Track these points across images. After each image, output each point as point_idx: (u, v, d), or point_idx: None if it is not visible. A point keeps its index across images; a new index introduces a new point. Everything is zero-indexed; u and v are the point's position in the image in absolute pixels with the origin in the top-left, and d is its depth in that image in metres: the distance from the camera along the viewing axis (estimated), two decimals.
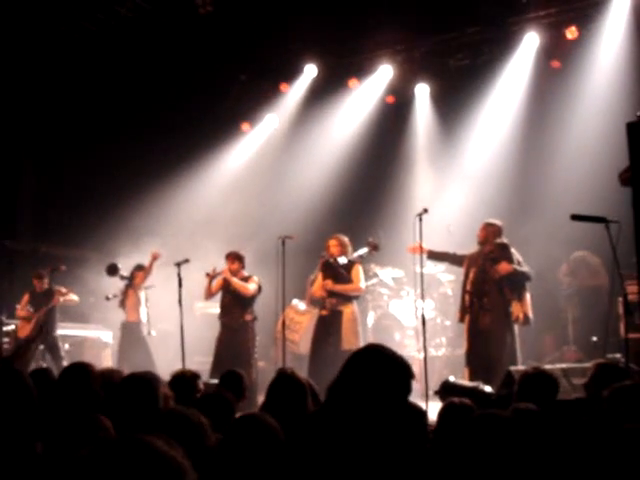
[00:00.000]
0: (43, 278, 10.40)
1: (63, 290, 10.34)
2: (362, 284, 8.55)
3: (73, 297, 10.55)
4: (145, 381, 3.46)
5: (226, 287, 8.91)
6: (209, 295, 9.08)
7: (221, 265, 8.96)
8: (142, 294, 10.01)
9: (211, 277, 8.88)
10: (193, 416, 2.74)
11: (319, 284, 8.52)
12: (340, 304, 8.36)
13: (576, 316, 9.72)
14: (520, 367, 6.56)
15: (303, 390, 3.88)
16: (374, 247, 8.72)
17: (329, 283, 8.38)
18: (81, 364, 4.30)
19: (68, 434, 2.64)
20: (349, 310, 8.36)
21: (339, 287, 8.36)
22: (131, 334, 9.84)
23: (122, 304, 9.99)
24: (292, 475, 2.55)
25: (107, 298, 10.06)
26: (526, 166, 10.58)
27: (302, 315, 9.11)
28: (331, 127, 12.14)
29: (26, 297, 10.43)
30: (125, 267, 10.20)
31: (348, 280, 8.39)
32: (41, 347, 10.18)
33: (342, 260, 8.36)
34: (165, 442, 1.55)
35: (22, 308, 10.36)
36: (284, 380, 3.94)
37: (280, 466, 2.58)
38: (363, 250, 8.66)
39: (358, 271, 8.45)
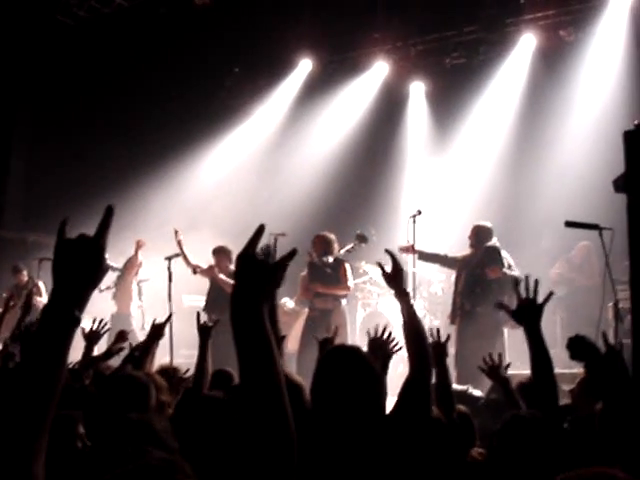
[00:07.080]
0: (21, 271, 10.24)
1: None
2: (350, 283, 8.51)
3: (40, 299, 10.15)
4: (138, 384, 3.40)
5: (213, 282, 8.91)
6: (189, 265, 9.06)
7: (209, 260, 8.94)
8: (134, 287, 9.94)
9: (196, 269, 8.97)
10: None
11: (304, 286, 8.51)
12: (329, 303, 8.35)
13: (565, 319, 9.69)
14: (509, 372, 6.51)
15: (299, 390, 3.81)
16: (361, 239, 8.71)
17: (318, 286, 8.36)
18: None
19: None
20: (338, 309, 8.34)
21: (328, 291, 8.34)
22: (121, 326, 9.71)
23: (115, 296, 9.93)
24: None
25: (100, 290, 9.92)
26: (520, 167, 10.57)
27: (289, 315, 9.07)
28: (324, 123, 12.08)
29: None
30: (115, 259, 10.12)
31: (335, 279, 8.34)
32: None
33: (328, 259, 8.32)
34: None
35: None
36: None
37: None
38: (350, 245, 8.66)
39: (346, 270, 8.40)
